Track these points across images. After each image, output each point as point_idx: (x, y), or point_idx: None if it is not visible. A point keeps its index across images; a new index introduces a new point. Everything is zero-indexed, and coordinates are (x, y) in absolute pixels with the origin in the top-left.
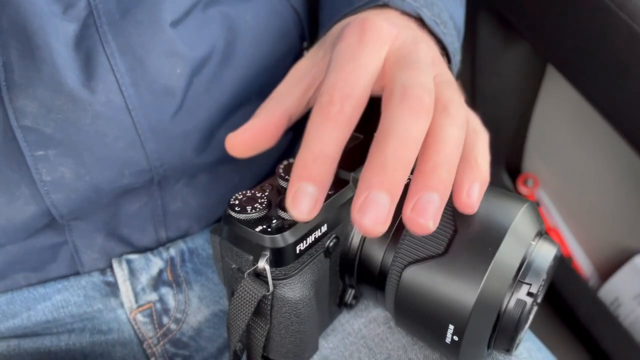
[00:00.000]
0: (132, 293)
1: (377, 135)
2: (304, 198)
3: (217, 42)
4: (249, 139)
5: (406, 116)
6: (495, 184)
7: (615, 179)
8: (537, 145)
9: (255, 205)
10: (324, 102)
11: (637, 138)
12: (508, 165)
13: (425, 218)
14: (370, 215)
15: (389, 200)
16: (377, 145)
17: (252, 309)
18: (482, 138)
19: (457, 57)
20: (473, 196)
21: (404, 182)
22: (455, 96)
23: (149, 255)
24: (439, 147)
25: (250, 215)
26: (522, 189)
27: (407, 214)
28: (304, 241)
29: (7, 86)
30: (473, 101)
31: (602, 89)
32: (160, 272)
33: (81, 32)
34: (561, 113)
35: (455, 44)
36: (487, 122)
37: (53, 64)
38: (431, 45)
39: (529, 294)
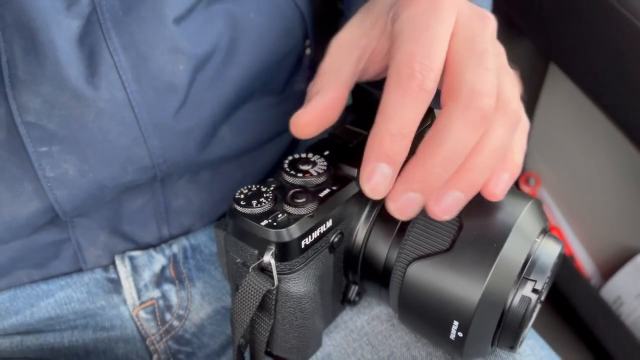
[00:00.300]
0: (134, 290)
1: (431, 134)
2: (380, 178)
3: (220, 39)
4: (316, 118)
5: (466, 128)
6: None
7: (617, 178)
8: (539, 144)
9: (260, 200)
10: (404, 75)
11: None
12: None
13: (446, 213)
14: (400, 208)
15: (423, 200)
16: (428, 148)
17: (257, 304)
18: (522, 127)
19: None
20: (500, 185)
21: (443, 183)
22: (514, 91)
23: (152, 252)
24: (482, 149)
25: (256, 209)
26: (524, 188)
27: (431, 206)
28: (309, 236)
29: (11, 82)
30: None
31: (605, 86)
32: (163, 268)
33: (84, 29)
34: (563, 112)
35: None
36: None
37: (56, 60)
38: (493, 19)
39: (534, 290)
